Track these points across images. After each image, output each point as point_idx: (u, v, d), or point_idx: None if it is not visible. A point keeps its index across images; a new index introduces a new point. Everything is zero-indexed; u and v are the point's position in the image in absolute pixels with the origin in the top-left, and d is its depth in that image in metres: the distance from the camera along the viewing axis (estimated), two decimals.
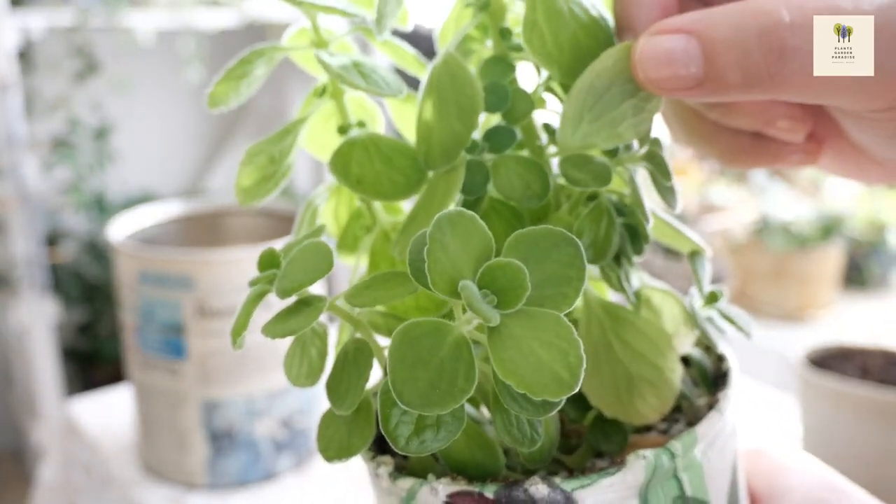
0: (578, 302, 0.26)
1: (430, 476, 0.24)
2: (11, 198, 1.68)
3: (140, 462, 0.78)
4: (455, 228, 0.20)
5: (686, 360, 0.30)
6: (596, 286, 0.28)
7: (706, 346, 0.30)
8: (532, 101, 0.26)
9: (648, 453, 0.23)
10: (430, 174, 0.26)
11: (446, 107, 0.25)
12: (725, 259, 1.66)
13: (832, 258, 1.51)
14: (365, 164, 0.26)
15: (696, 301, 0.29)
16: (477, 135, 0.26)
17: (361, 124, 0.29)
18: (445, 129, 0.25)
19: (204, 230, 0.86)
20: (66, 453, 0.90)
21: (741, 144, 0.29)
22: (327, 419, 0.24)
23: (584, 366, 0.19)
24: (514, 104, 0.26)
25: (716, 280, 1.56)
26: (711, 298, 0.29)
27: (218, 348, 0.70)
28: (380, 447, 0.27)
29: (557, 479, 0.22)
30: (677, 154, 1.97)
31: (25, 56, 1.98)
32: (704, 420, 0.25)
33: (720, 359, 0.30)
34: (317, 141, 0.31)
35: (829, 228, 1.48)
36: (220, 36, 2.15)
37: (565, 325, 0.20)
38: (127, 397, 0.88)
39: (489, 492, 0.22)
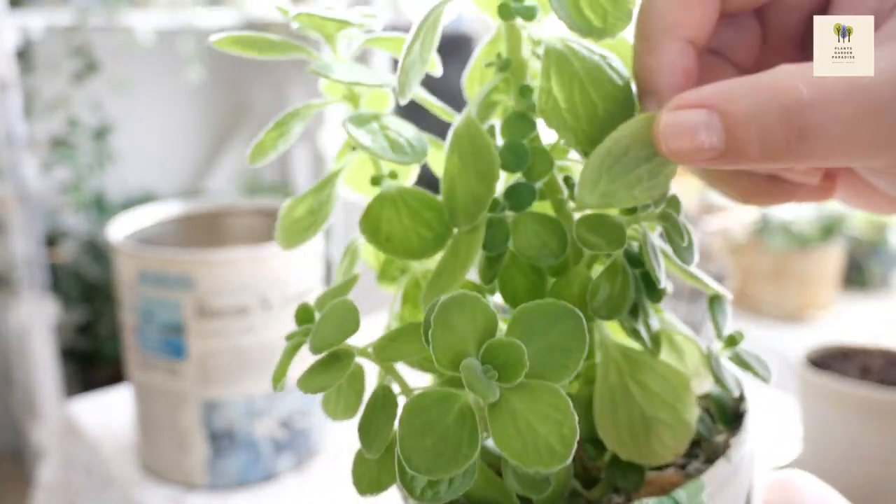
0: (597, 349, 0.27)
1: None
2: (11, 198, 1.68)
3: (140, 462, 0.78)
4: (461, 308, 0.22)
5: (707, 397, 0.31)
6: (616, 330, 0.29)
7: None
8: (551, 160, 0.27)
9: (651, 500, 0.24)
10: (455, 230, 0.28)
11: (467, 168, 0.26)
12: (725, 259, 1.66)
13: (832, 258, 1.51)
14: (394, 220, 0.28)
15: (715, 345, 0.30)
16: (500, 190, 0.27)
17: (394, 175, 0.30)
18: (467, 190, 0.26)
19: (204, 230, 0.86)
20: (66, 453, 0.90)
21: (758, 186, 0.30)
22: (360, 456, 0.26)
23: (578, 436, 0.21)
24: (534, 162, 0.26)
25: (716, 280, 1.56)
26: (730, 342, 0.30)
27: (218, 348, 0.70)
28: None
29: None
30: None
31: (25, 56, 1.98)
32: (712, 468, 0.26)
33: (741, 398, 0.30)
34: (354, 183, 0.33)
35: (829, 228, 1.48)
36: (220, 33, 2.14)
37: (562, 398, 0.21)
38: (127, 397, 0.88)
39: None
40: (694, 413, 0.27)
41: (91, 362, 2.12)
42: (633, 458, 0.26)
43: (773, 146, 0.23)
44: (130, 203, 2.07)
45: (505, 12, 0.26)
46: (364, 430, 0.25)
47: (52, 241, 2.02)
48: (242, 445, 0.73)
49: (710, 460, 0.28)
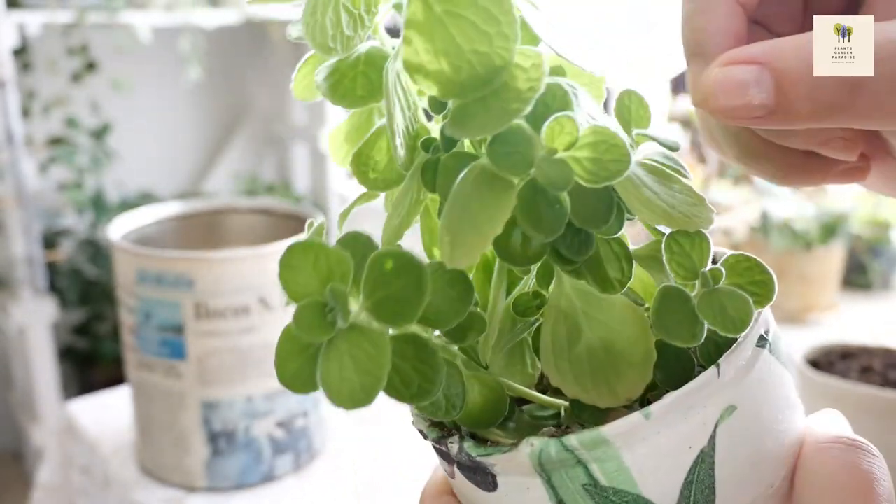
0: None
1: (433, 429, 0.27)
2: (9, 197, 1.68)
3: (139, 463, 0.78)
4: (305, 253, 0.23)
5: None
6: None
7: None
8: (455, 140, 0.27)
9: (536, 441, 0.24)
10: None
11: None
12: None
13: (834, 258, 1.51)
14: (383, 152, 0.29)
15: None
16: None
17: None
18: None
19: (203, 229, 0.85)
20: (66, 454, 0.90)
21: (793, 163, 0.29)
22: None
23: (382, 385, 0.22)
24: (446, 144, 0.27)
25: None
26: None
27: (217, 348, 0.70)
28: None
29: (466, 444, 0.26)
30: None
31: (23, 55, 1.98)
32: (618, 421, 0.24)
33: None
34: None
35: (830, 228, 1.47)
36: (219, 33, 2.14)
37: (382, 345, 0.22)
38: (126, 398, 0.87)
39: (431, 436, 0.27)
40: (649, 360, 0.25)
41: (90, 363, 2.12)
42: (585, 400, 0.26)
43: (824, 102, 0.23)
44: (129, 203, 2.07)
45: None
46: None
47: (50, 241, 2.01)
48: (242, 446, 0.73)
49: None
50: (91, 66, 2.02)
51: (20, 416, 1.99)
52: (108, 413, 0.88)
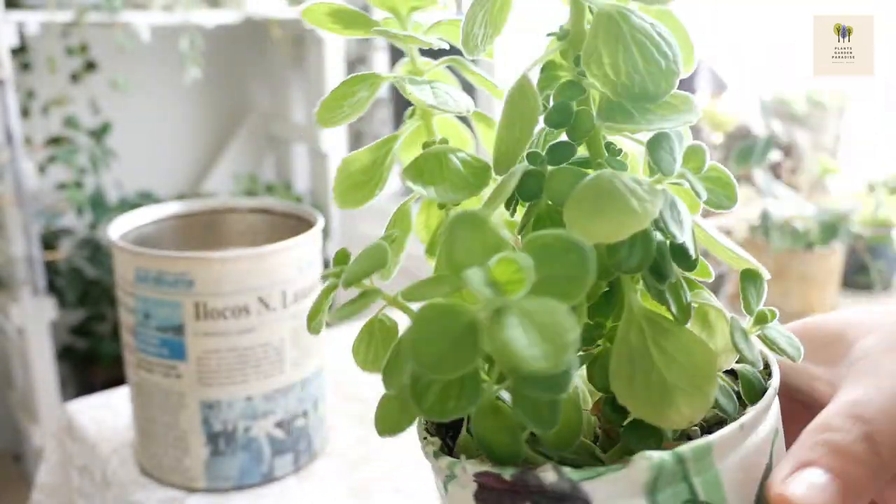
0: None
1: (463, 456, 0.27)
2: (9, 197, 1.68)
3: (138, 463, 0.77)
4: (470, 224, 0.23)
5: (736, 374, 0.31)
6: (654, 306, 0.30)
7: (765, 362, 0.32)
8: (593, 122, 0.28)
9: (654, 454, 0.24)
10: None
11: (512, 119, 0.28)
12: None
13: (835, 258, 1.50)
14: (435, 171, 0.31)
15: (745, 321, 0.30)
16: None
17: (444, 141, 0.33)
18: (509, 138, 0.28)
19: (203, 228, 0.85)
20: (65, 454, 0.90)
21: None
22: (384, 401, 0.28)
23: (576, 347, 0.21)
24: (576, 122, 0.28)
25: (717, 280, 1.55)
26: (760, 319, 0.30)
27: (217, 348, 0.70)
28: (440, 434, 0.30)
29: (566, 469, 0.25)
30: None
31: (22, 54, 1.98)
32: (723, 430, 0.26)
33: (769, 375, 0.31)
34: (408, 154, 0.35)
35: (832, 228, 1.47)
36: (219, 32, 2.14)
37: (563, 310, 0.21)
38: (125, 398, 0.87)
39: (507, 474, 0.25)
40: (714, 385, 0.27)
41: (89, 362, 2.12)
42: (649, 419, 0.26)
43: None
44: (129, 202, 2.06)
45: None
46: (387, 371, 0.27)
47: (50, 240, 2.01)
48: (242, 446, 0.73)
49: None
50: (90, 66, 2.02)
51: (19, 416, 1.99)
52: (107, 413, 0.88)
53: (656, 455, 0.24)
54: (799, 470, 0.25)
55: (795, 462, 0.26)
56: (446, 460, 0.27)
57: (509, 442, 0.26)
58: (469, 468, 0.26)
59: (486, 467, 0.26)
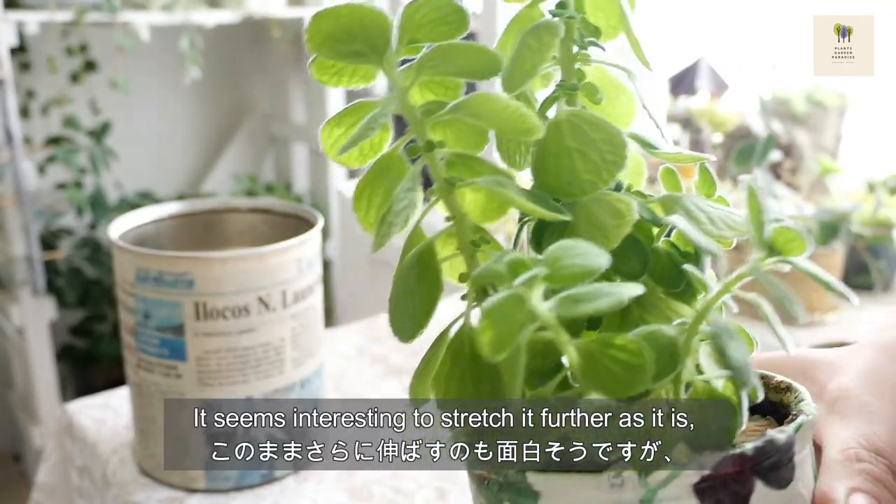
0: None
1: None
2: (8, 197, 1.68)
3: (138, 464, 0.77)
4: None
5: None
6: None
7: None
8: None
9: (772, 431, 0.29)
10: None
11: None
12: (726, 260, 1.65)
13: (835, 258, 1.50)
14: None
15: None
16: None
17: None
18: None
19: (202, 228, 0.85)
20: (64, 455, 0.90)
21: None
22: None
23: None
24: None
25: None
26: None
27: (217, 349, 0.70)
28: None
29: (788, 427, 0.29)
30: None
31: (22, 54, 1.97)
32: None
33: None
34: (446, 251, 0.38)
35: (832, 228, 1.47)
36: (219, 32, 2.14)
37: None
38: (125, 398, 0.87)
39: (749, 451, 0.27)
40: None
41: (89, 363, 2.12)
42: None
43: None
44: (128, 202, 2.06)
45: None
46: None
47: (49, 240, 2.01)
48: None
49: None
50: (90, 66, 2.02)
51: (19, 417, 1.99)
52: (107, 413, 0.88)
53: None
54: (853, 493, 0.30)
55: (849, 485, 0.31)
56: (662, 474, 0.27)
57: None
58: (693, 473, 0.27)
59: (721, 455, 0.27)
